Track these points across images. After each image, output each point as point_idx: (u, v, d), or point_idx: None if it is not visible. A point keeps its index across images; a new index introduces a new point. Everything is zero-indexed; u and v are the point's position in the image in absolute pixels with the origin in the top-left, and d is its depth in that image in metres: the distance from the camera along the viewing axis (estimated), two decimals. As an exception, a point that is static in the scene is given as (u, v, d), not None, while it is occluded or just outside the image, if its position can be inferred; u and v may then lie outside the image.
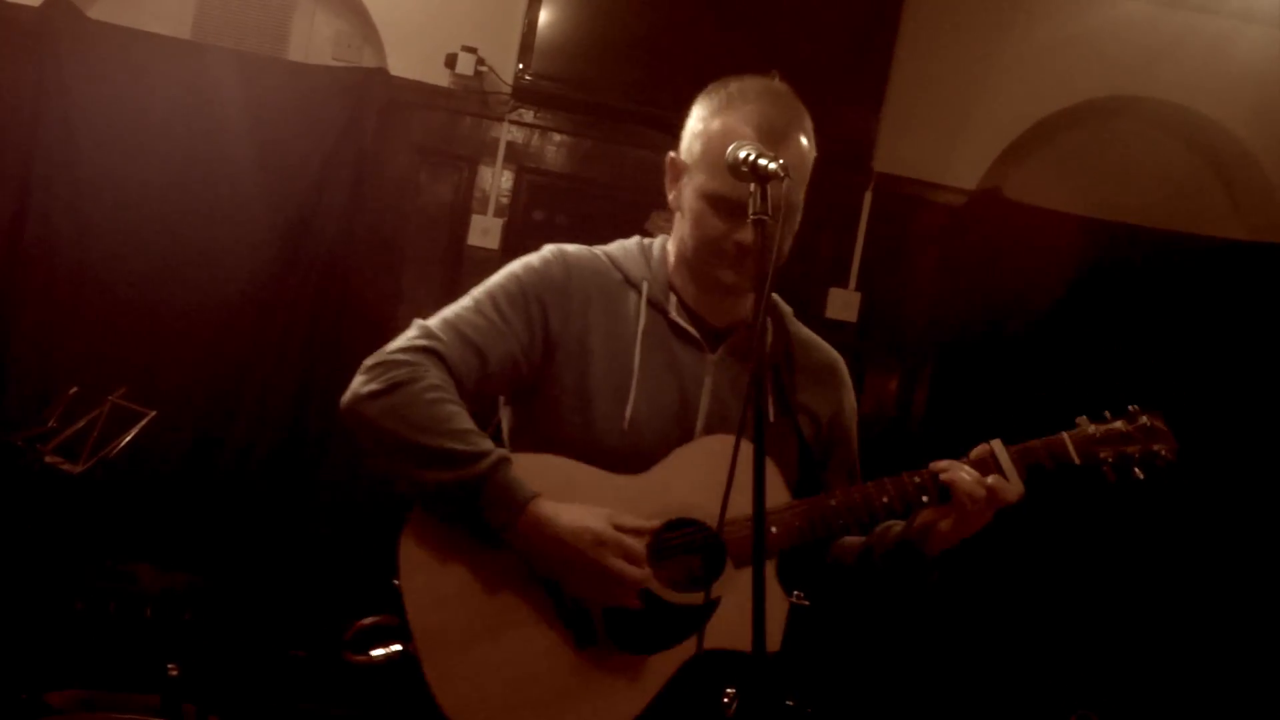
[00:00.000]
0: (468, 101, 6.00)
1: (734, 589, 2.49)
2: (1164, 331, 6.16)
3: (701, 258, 2.61)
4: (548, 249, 2.70)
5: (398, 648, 2.51)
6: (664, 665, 2.50)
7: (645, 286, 2.68)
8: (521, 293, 2.62)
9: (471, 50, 5.85)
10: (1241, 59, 6.24)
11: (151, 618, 4.80)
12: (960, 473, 2.55)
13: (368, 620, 2.58)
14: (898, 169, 6.21)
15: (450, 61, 5.86)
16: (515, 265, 2.69)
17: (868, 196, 6.21)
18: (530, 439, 2.67)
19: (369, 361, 2.57)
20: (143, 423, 4.73)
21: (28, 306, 5.65)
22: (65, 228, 5.65)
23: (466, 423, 2.48)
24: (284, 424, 5.80)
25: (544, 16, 5.81)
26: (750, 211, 2.27)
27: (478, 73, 5.88)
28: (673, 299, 2.68)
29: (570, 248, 2.72)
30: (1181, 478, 5.84)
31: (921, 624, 5.91)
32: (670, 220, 2.77)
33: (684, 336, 2.67)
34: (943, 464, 2.58)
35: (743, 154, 2.34)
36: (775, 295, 2.78)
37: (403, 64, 5.95)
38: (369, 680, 2.60)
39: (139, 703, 4.53)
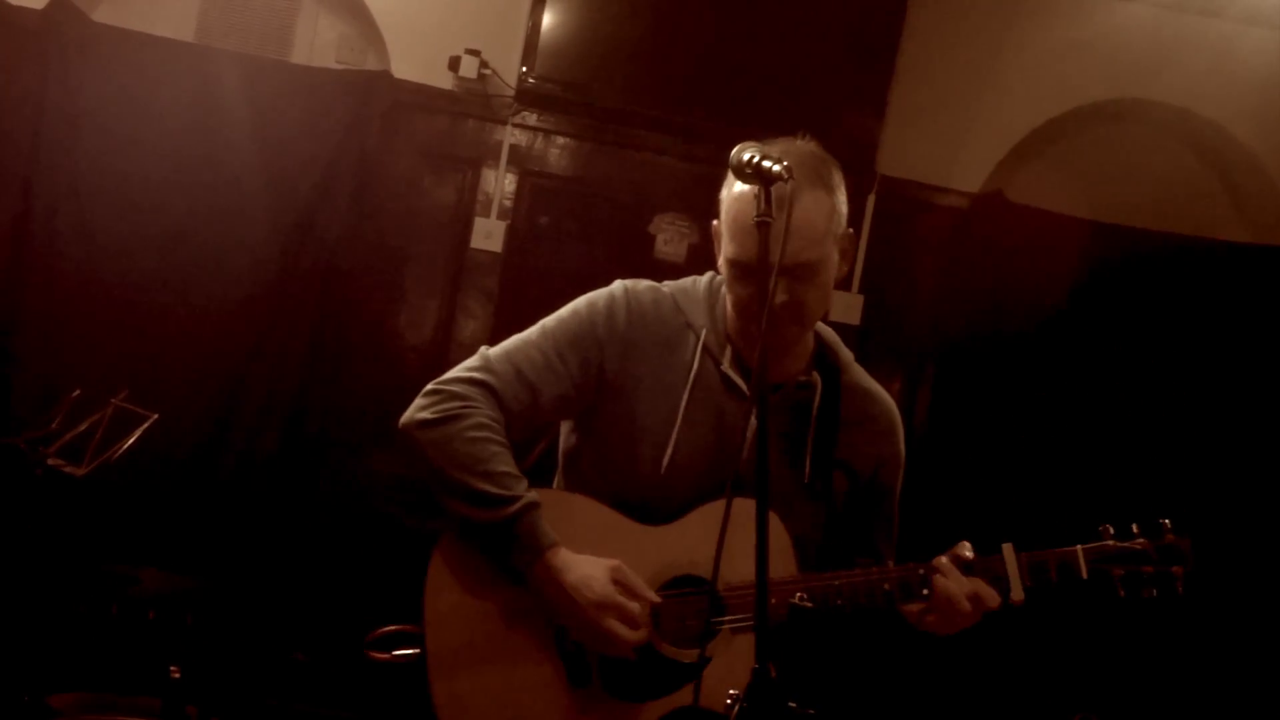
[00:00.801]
0: (471, 104, 6.00)
1: (727, 651, 2.62)
2: (1167, 334, 6.15)
3: (739, 320, 2.70)
4: (617, 288, 2.79)
5: (415, 651, 2.65)
6: (650, 713, 2.64)
7: (703, 334, 2.73)
8: (581, 335, 2.73)
9: (475, 53, 5.85)
10: (1245, 62, 6.24)
11: (153, 620, 4.80)
12: (948, 582, 2.65)
13: (390, 627, 2.72)
14: (901, 172, 6.20)
15: (454, 64, 5.86)
16: (582, 303, 2.78)
17: (871, 199, 6.20)
18: (579, 464, 2.84)
19: (430, 386, 2.70)
20: (145, 425, 4.72)
21: (31, 309, 5.65)
22: (69, 230, 5.66)
23: (504, 464, 2.63)
24: (286, 426, 5.80)
25: (547, 19, 5.81)
26: (754, 214, 2.27)
27: (481, 76, 5.88)
28: (728, 351, 2.74)
29: (639, 289, 2.80)
30: (1179, 477, 5.85)
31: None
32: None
33: (733, 389, 2.73)
34: (943, 564, 2.67)
35: (746, 155, 2.34)
36: (837, 341, 2.90)
37: (406, 67, 5.95)
38: (379, 680, 2.76)
39: (141, 705, 4.53)
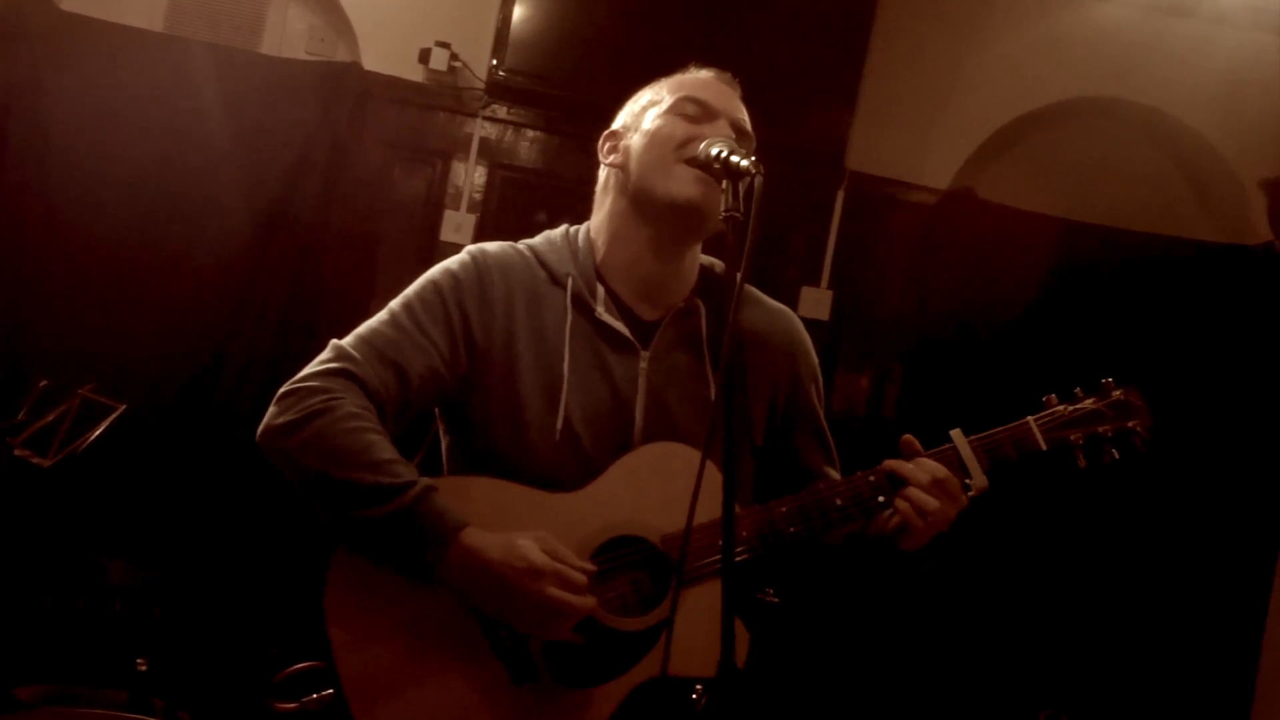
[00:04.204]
0: (441, 97, 5.99)
1: (680, 609, 2.28)
2: (1135, 331, 6.17)
3: (659, 177, 2.52)
4: (467, 251, 2.62)
5: (329, 692, 2.40)
6: (609, 696, 2.39)
7: (570, 283, 2.58)
8: (440, 301, 2.54)
9: (445, 45, 5.84)
10: (1214, 63, 6.27)
11: (120, 612, 4.78)
12: (904, 467, 2.47)
13: (296, 666, 2.49)
14: (871, 168, 6.21)
15: (424, 56, 5.85)
16: (434, 271, 2.60)
17: (840, 195, 6.21)
18: (466, 455, 2.60)
19: (283, 389, 2.47)
20: (113, 416, 4.71)
21: (-1, 298, 5.63)
22: (37, 220, 5.62)
23: (387, 452, 2.35)
24: (257, 419, 5.77)
25: (518, 12, 5.80)
26: (722, 208, 2.25)
27: (451, 68, 5.87)
28: (601, 293, 2.58)
29: (491, 247, 2.64)
30: (1150, 475, 5.88)
31: (893, 622, 5.93)
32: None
33: (612, 337, 2.56)
34: (894, 464, 2.50)
35: (715, 150, 2.34)
36: (713, 260, 2.73)
37: (376, 59, 5.93)
38: None
39: (108, 697, 4.51)
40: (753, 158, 2.26)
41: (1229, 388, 6.22)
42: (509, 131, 6.06)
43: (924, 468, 2.47)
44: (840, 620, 5.86)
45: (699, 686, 2.39)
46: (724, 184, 2.28)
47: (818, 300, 6.11)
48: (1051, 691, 6.01)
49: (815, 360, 2.81)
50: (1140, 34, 6.28)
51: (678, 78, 2.67)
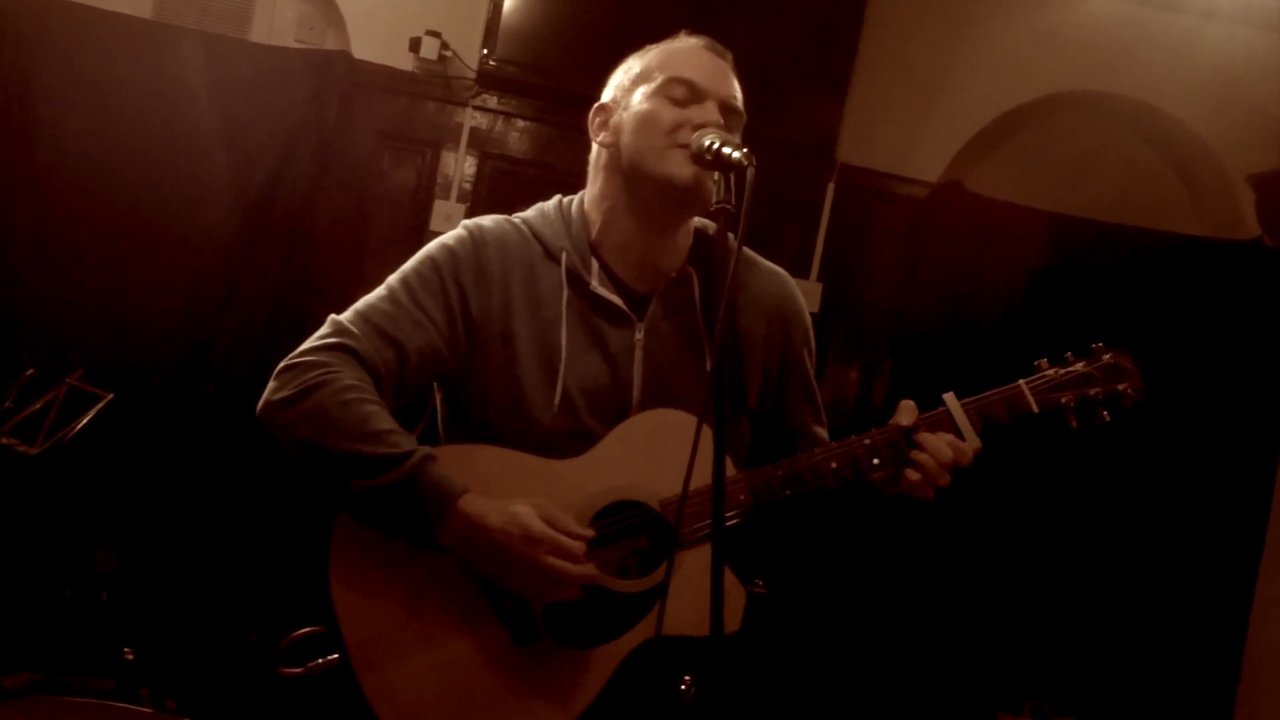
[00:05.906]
0: (431, 86, 5.97)
1: (678, 571, 2.37)
2: (1123, 325, 6.16)
3: (651, 162, 2.52)
4: (463, 226, 2.65)
5: (334, 656, 2.44)
6: (609, 657, 2.43)
7: (565, 257, 2.60)
8: (438, 277, 2.56)
9: (435, 34, 5.82)
10: (1204, 57, 6.27)
11: (107, 601, 4.77)
12: (927, 461, 2.50)
13: (300, 632, 2.54)
14: (861, 160, 6.21)
15: (414, 45, 5.84)
16: (431, 247, 2.63)
17: (831, 188, 6.22)
18: (464, 428, 2.60)
19: (282, 364, 2.49)
20: (100, 405, 4.69)
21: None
22: (24, 208, 5.60)
23: (386, 422, 2.39)
24: (244, 408, 5.74)
25: (509, 2, 5.78)
26: (714, 200, 2.25)
27: (441, 57, 5.85)
28: (595, 267, 2.60)
29: (487, 221, 2.67)
30: (1138, 466, 5.88)
31: (881, 614, 5.93)
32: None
33: (607, 310, 2.58)
34: (921, 437, 2.53)
35: (707, 141, 2.34)
36: (707, 222, 2.72)
37: (366, 47, 5.92)
38: (306, 692, 2.52)
39: (95, 686, 4.50)
40: (745, 149, 2.26)
41: (1218, 382, 6.22)
42: (499, 121, 6.05)
43: (940, 452, 2.50)
44: (828, 612, 5.86)
45: (688, 678, 2.40)
46: (715, 175, 2.28)
47: (808, 293, 6.11)
48: (1037, 683, 6.02)
49: (808, 320, 2.83)
50: (1130, 28, 6.28)
51: (666, 48, 2.68)
